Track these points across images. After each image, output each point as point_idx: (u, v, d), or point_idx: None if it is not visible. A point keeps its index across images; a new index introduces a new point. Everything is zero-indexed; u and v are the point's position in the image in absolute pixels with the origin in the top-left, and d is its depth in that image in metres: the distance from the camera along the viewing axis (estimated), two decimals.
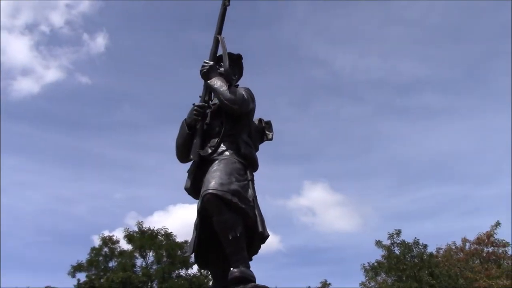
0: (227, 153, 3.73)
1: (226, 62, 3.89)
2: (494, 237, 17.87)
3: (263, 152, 3.95)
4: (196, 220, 3.62)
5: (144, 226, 25.45)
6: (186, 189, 3.81)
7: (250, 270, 3.36)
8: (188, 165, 3.94)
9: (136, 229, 25.28)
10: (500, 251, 18.02)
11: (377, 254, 19.80)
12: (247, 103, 3.84)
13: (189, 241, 3.73)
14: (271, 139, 3.97)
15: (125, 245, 24.61)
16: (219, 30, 4.02)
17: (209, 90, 3.92)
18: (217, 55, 4.04)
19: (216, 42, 4.01)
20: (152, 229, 25.36)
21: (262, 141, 4.06)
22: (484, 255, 18.09)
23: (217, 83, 3.81)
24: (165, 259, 24.43)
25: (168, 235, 25.16)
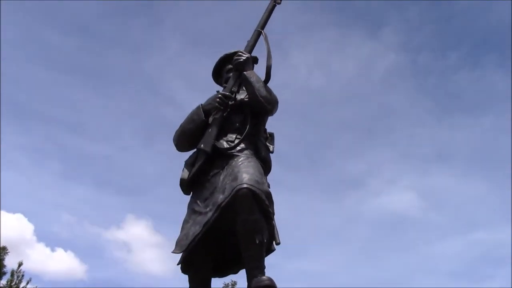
0: (246, 152, 3.46)
1: (270, 59, 3.63)
2: None
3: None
4: (199, 215, 3.31)
5: None
6: (182, 180, 3.54)
7: None
8: (184, 154, 3.74)
9: None
10: None
11: None
12: (277, 106, 3.65)
13: (179, 236, 3.38)
14: (271, 152, 3.74)
15: None
16: (263, 25, 3.78)
17: (239, 81, 3.66)
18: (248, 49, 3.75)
19: (257, 36, 3.75)
20: None
21: None
22: None
23: (254, 77, 3.58)
24: None
25: None
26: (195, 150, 3.72)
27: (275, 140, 3.79)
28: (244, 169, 3.18)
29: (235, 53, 3.88)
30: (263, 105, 3.54)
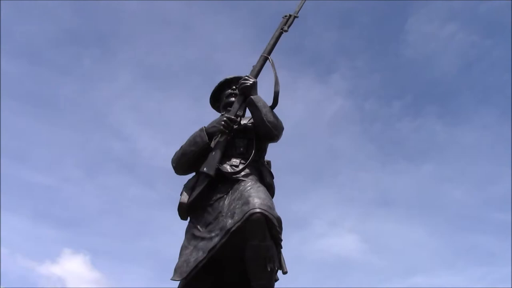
0: (251, 177, 3.39)
1: (278, 85, 3.60)
2: None
3: None
4: (201, 240, 3.20)
5: None
6: (181, 204, 3.39)
7: None
8: (183, 178, 3.64)
9: None
10: None
11: None
12: (282, 132, 3.60)
13: (178, 263, 3.23)
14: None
15: None
16: (270, 51, 3.77)
17: (244, 106, 3.60)
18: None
19: (263, 62, 3.73)
20: None
21: None
22: None
23: (261, 102, 3.54)
24: None
25: None
26: (194, 173, 3.62)
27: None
28: (255, 194, 3.07)
29: (235, 78, 3.88)
30: (270, 131, 3.49)
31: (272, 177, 3.54)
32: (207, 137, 3.51)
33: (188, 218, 3.53)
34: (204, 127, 3.61)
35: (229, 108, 3.70)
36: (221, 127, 3.48)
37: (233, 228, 2.97)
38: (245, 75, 3.67)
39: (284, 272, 3.08)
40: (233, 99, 3.78)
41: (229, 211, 3.11)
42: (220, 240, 3.03)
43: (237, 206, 3.06)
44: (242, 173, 3.38)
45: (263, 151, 3.64)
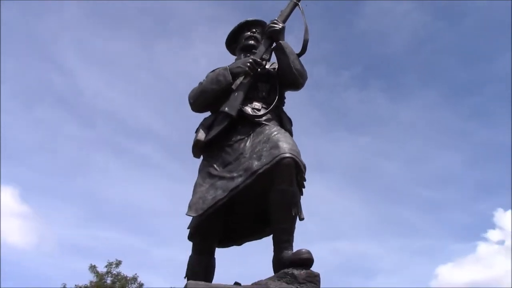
0: (273, 122, 3.37)
1: (307, 33, 3.53)
2: None
3: None
4: (219, 179, 3.13)
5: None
6: (198, 142, 3.33)
7: None
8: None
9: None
10: None
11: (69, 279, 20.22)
12: (306, 82, 3.56)
13: (192, 199, 3.16)
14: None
15: None
16: None
17: (270, 50, 3.54)
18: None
19: (293, 7, 3.61)
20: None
21: None
22: None
23: (289, 48, 3.47)
24: None
25: None
26: (209, 112, 3.55)
27: None
28: (284, 139, 3.06)
29: (256, 21, 3.77)
30: (296, 78, 3.47)
31: (291, 124, 3.52)
32: (231, 77, 3.42)
33: (201, 157, 3.47)
34: (228, 66, 3.51)
35: (254, 51, 3.61)
36: (247, 68, 3.41)
37: (261, 171, 2.95)
38: (273, 18, 3.56)
39: (301, 219, 3.10)
40: (252, 42, 3.70)
41: (254, 153, 3.09)
42: (244, 180, 3.00)
43: (265, 149, 3.04)
44: (264, 117, 3.35)
45: (284, 98, 3.61)
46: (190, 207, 3.16)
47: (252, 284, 2.61)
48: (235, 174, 3.09)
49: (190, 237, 3.26)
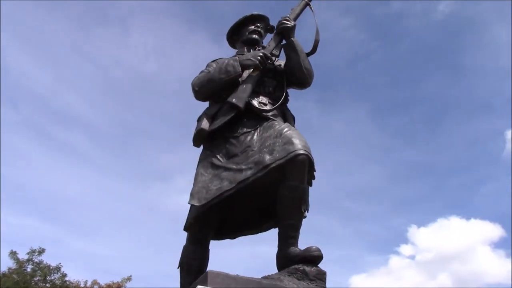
0: (278, 118, 3.35)
1: (318, 34, 3.55)
2: None
3: None
4: (224, 170, 3.09)
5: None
6: (201, 131, 3.28)
7: None
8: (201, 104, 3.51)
9: None
10: None
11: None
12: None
13: (194, 188, 3.10)
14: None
15: None
16: None
17: (280, 46, 3.53)
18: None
19: (304, 7, 3.60)
20: None
21: None
22: None
23: (300, 46, 3.48)
24: None
25: None
26: (213, 103, 3.50)
27: None
28: (296, 135, 3.06)
29: (261, 16, 3.78)
30: (305, 77, 3.50)
31: (294, 121, 3.53)
32: (240, 68, 3.39)
33: (202, 146, 3.42)
34: (238, 57, 3.48)
35: (257, 46, 3.63)
36: (257, 61, 3.39)
37: (274, 165, 2.93)
38: (284, 15, 3.57)
39: (304, 217, 3.11)
40: (256, 36, 3.70)
41: (264, 147, 3.06)
42: (254, 173, 2.97)
43: (277, 144, 3.02)
44: (270, 113, 3.35)
45: (287, 95, 3.62)
46: (192, 196, 3.09)
47: (263, 278, 2.59)
48: (243, 167, 3.05)
49: (187, 227, 3.19)
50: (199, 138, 3.34)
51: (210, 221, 3.19)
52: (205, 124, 3.31)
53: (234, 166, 3.09)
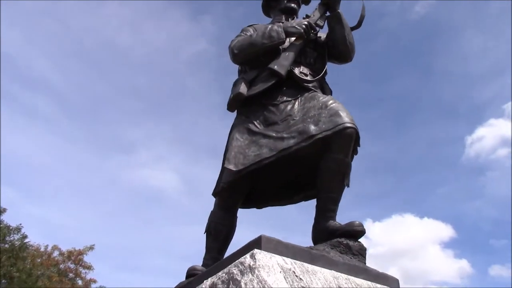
0: (319, 90, 3.29)
1: (364, 10, 3.47)
2: (83, 257, 18.00)
3: None
4: (263, 137, 3.00)
5: None
6: (239, 95, 3.18)
7: None
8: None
9: None
10: (83, 272, 18.22)
11: None
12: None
13: (230, 153, 3.01)
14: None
15: None
16: None
17: (325, 17, 3.44)
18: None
19: None
20: None
21: None
22: (64, 267, 17.87)
23: (345, 19, 3.40)
24: None
25: None
26: (249, 68, 3.40)
27: None
28: (343, 109, 2.99)
29: None
30: (348, 51, 3.43)
31: (331, 94, 3.44)
32: (284, 35, 3.28)
33: (236, 111, 3.34)
34: (281, 25, 3.35)
35: (308, 14, 3.50)
36: (302, 30, 3.29)
37: (320, 136, 2.86)
38: None
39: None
40: (293, 5, 3.62)
41: (308, 118, 2.98)
42: (298, 142, 2.89)
43: (323, 115, 2.95)
44: (311, 84, 3.27)
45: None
46: (228, 160, 2.98)
47: (308, 247, 2.53)
48: (285, 135, 2.96)
49: (219, 192, 3.10)
50: (236, 102, 3.24)
51: (242, 187, 3.11)
52: (243, 88, 3.21)
53: (274, 134, 3.01)
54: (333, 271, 2.32)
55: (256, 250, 2.13)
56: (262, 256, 2.10)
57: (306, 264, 2.24)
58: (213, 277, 2.30)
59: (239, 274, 2.09)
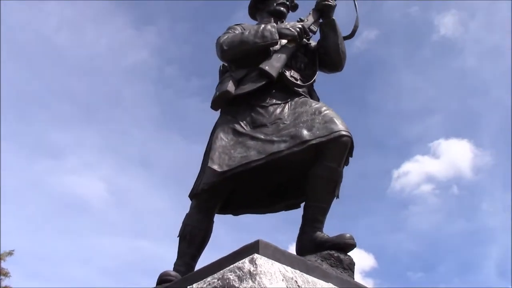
0: (308, 96, 3.18)
1: (358, 20, 3.40)
2: (0, 262, 18.48)
3: None
4: (250, 139, 2.85)
5: None
6: (226, 93, 3.02)
7: None
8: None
9: None
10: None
11: None
12: None
13: (214, 153, 2.82)
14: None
15: None
16: None
17: (318, 23, 3.34)
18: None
19: None
20: None
21: None
22: None
23: (339, 27, 3.33)
24: None
25: None
26: (237, 67, 3.21)
27: None
28: (337, 116, 2.89)
29: None
30: (340, 61, 3.35)
31: (319, 101, 3.32)
32: (278, 36, 3.15)
33: (219, 110, 3.15)
34: (274, 26, 3.21)
35: (301, 18, 3.39)
36: (296, 33, 3.18)
37: (314, 142, 2.73)
38: None
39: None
40: (283, 8, 3.49)
41: (300, 122, 2.84)
42: (290, 147, 2.74)
43: (317, 121, 2.82)
44: (301, 89, 3.16)
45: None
46: (212, 160, 2.78)
47: (303, 258, 2.35)
48: (275, 138, 2.80)
49: (198, 193, 2.86)
50: (222, 100, 3.07)
51: (223, 191, 2.90)
52: (231, 86, 3.04)
53: (263, 136, 2.84)
54: (330, 284, 2.17)
55: (256, 255, 1.95)
56: (263, 262, 1.93)
57: (305, 275, 2.09)
58: (199, 282, 2.08)
59: (236, 280, 1.91)
